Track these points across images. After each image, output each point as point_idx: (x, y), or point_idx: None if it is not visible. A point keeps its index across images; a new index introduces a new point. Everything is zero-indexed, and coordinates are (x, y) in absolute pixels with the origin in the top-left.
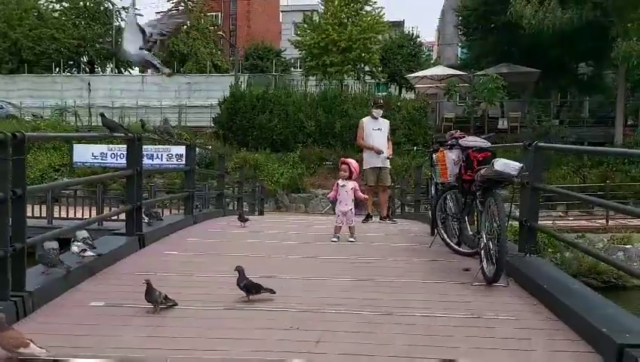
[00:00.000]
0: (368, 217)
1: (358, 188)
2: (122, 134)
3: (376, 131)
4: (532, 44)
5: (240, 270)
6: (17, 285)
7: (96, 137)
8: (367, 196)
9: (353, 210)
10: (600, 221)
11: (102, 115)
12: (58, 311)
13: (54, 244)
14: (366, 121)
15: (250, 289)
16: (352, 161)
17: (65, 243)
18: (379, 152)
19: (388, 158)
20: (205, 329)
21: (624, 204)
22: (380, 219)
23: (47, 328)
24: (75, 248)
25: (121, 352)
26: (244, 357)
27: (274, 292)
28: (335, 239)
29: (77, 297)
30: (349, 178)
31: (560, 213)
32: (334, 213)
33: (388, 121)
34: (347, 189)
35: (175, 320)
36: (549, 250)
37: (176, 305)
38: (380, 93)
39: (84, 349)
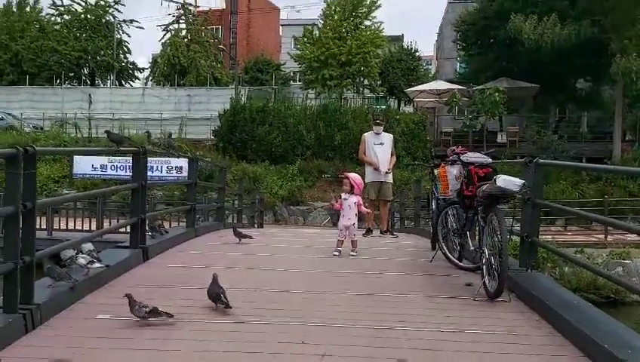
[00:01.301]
0: (369, 231)
1: (361, 202)
2: (129, 147)
3: (377, 146)
4: (531, 59)
5: (214, 277)
6: (26, 298)
7: (104, 151)
8: (369, 210)
9: (356, 224)
10: (599, 236)
11: (107, 132)
12: (65, 324)
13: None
14: (368, 135)
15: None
16: (354, 176)
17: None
18: (376, 168)
19: (388, 172)
20: (211, 343)
21: (622, 219)
22: (381, 233)
23: (54, 341)
24: (82, 260)
25: None
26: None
27: (230, 307)
28: (336, 253)
29: (83, 310)
30: (352, 192)
31: (559, 228)
32: (333, 226)
33: (391, 136)
34: (350, 203)
35: (181, 333)
36: (549, 264)
37: (171, 316)
38: (379, 107)
39: (91, 360)
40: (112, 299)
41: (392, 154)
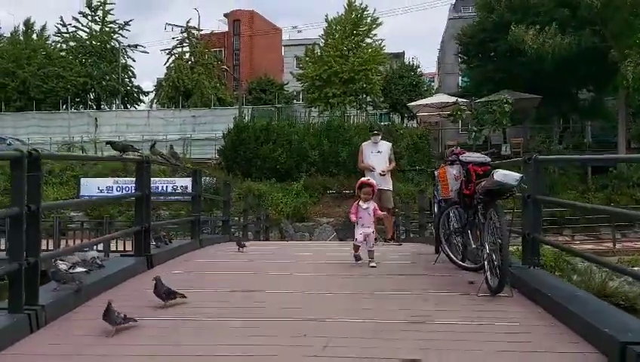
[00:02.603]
0: (391, 239)
1: (377, 207)
2: (133, 154)
3: (375, 154)
4: (532, 70)
5: (157, 279)
6: (31, 298)
7: (107, 159)
8: (386, 213)
9: (374, 232)
10: (607, 244)
11: (109, 142)
12: (69, 325)
13: (69, 261)
14: (365, 145)
15: (169, 294)
16: (373, 182)
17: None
18: (373, 169)
19: (382, 174)
20: (214, 337)
21: (630, 227)
22: (385, 241)
23: (58, 340)
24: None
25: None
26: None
27: (185, 297)
28: (357, 258)
29: (87, 312)
30: (371, 198)
31: (566, 238)
32: (339, 241)
33: (389, 144)
34: (370, 211)
35: (185, 331)
36: (557, 273)
37: (135, 321)
38: (382, 123)
39: (94, 358)
40: (115, 303)
41: (390, 162)
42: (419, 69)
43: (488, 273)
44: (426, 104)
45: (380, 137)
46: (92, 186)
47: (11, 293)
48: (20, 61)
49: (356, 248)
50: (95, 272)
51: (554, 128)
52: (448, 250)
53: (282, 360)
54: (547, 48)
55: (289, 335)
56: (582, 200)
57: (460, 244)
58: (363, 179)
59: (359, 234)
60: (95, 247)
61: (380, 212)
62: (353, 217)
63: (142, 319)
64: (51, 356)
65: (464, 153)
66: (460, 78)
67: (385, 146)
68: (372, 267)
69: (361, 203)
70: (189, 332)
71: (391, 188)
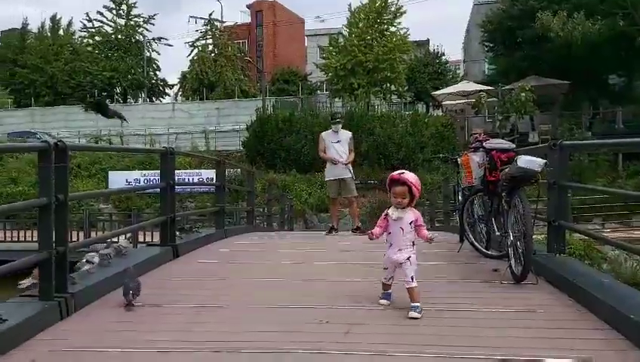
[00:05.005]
0: (332, 229)
1: (421, 221)
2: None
3: (335, 144)
4: (560, 56)
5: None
6: (60, 286)
7: (132, 150)
8: (432, 236)
9: (413, 258)
10: (638, 232)
11: (97, 102)
12: (98, 311)
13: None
14: (325, 134)
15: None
16: (413, 177)
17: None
18: (334, 162)
19: (346, 165)
20: (236, 324)
21: None
22: (352, 230)
23: (87, 326)
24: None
25: (154, 346)
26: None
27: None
28: (385, 301)
29: (115, 299)
30: (409, 205)
31: (596, 226)
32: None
33: (350, 133)
34: (403, 224)
35: (208, 317)
36: (587, 261)
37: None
38: (406, 112)
39: (122, 342)
40: (143, 290)
41: (349, 151)
42: (444, 57)
43: (512, 260)
44: (451, 92)
45: (340, 126)
46: (120, 179)
47: (41, 281)
48: (47, 57)
49: (385, 286)
50: (122, 260)
51: (583, 115)
52: (472, 238)
53: (303, 347)
54: (576, 34)
55: (310, 321)
56: (612, 187)
57: (484, 232)
58: (393, 173)
59: (388, 262)
60: (124, 236)
61: (425, 232)
62: (377, 231)
63: (167, 306)
64: (80, 341)
65: (488, 140)
66: (486, 65)
67: (345, 135)
68: (412, 317)
69: (390, 210)
70: (211, 318)
71: (351, 175)
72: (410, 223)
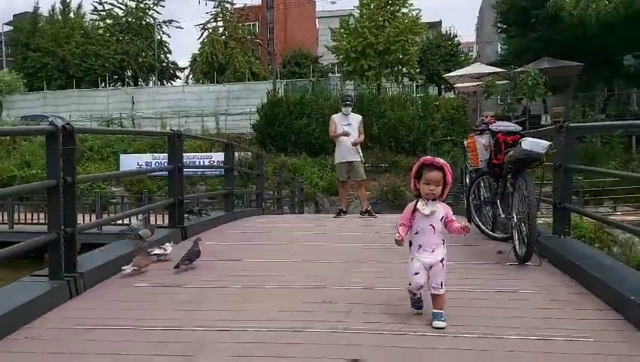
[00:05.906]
0: (341, 212)
1: (452, 215)
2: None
3: (345, 126)
4: (574, 36)
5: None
6: (69, 266)
7: (140, 133)
8: (466, 228)
9: (445, 260)
10: None
11: None
12: (106, 291)
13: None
14: (335, 117)
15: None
16: (441, 162)
17: None
18: (346, 134)
19: (355, 146)
20: (241, 303)
21: None
22: (360, 214)
23: (95, 304)
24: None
25: (162, 324)
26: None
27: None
28: (418, 308)
29: (123, 279)
30: (440, 196)
31: (608, 209)
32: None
33: (360, 117)
34: (434, 221)
35: (214, 297)
36: (597, 244)
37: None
38: (418, 95)
39: (131, 321)
40: (150, 271)
41: (359, 134)
42: (456, 38)
43: (517, 242)
44: (464, 75)
45: (350, 109)
46: (131, 162)
47: (51, 262)
48: (59, 40)
49: (412, 294)
50: (130, 242)
51: (597, 96)
52: (478, 220)
53: (307, 325)
54: (590, 13)
55: (313, 301)
56: (626, 170)
57: (489, 214)
58: (426, 157)
59: (417, 267)
60: (137, 217)
61: (457, 225)
62: (402, 230)
63: (174, 286)
64: (89, 319)
65: (494, 122)
66: (499, 46)
67: (355, 119)
68: (438, 328)
69: (420, 204)
70: (218, 298)
71: (360, 158)
72: (440, 219)
